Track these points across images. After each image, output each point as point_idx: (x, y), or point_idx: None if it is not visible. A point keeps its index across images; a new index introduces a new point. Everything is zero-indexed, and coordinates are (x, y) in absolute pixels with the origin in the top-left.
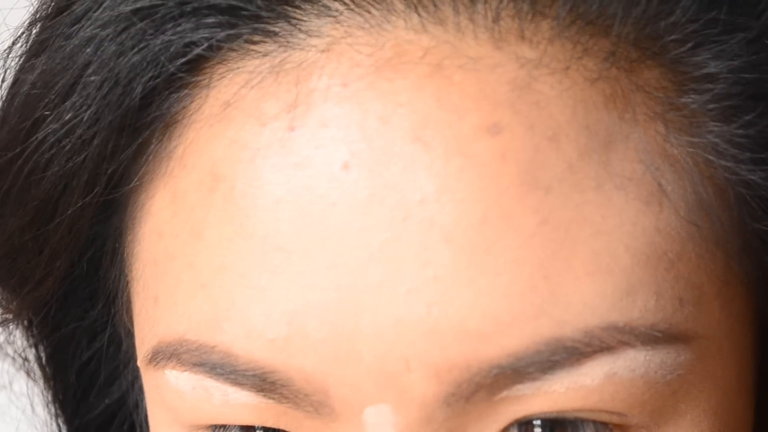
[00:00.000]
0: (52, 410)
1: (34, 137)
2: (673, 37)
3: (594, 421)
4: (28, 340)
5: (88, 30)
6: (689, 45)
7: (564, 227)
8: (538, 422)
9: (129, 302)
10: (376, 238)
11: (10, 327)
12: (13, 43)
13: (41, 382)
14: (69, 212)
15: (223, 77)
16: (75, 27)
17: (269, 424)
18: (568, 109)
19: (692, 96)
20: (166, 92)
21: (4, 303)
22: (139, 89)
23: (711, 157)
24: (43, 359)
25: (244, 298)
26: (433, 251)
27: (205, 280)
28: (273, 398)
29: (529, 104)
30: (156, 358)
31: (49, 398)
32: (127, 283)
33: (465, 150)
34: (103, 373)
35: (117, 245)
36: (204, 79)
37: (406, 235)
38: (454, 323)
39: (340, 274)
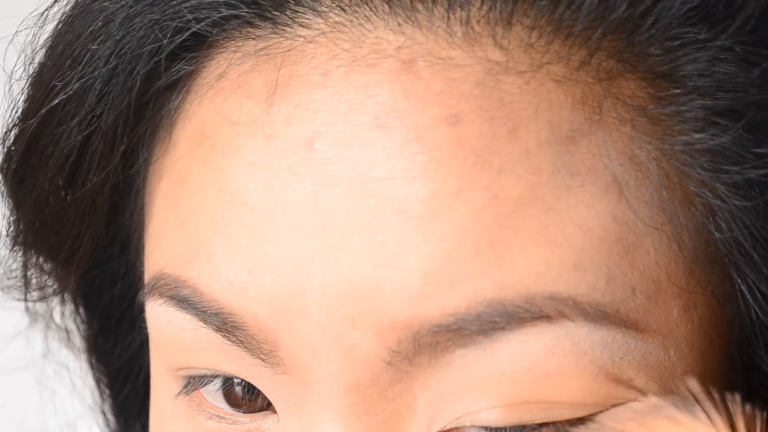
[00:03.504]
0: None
1: (47, 106)
2: (650, 50)
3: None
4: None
5: (100, 2)
6: (667, 58)
7: (514, 202)
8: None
9: (140, 245)
10: (333, 208)
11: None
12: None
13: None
14: (86, 187)
15: (221, 53)
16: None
17: (231, 369)
18: (532, 106)
19: (665, 106)
20: (176, 63)
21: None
22: (145, 60)
23: (678, 165)
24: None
25: (212, 241)
26: (382, 221)
27: (184, 221)
28: (232, 340)
29: (491, 100)
30: (145, 292)
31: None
32: (141, 221)
33: (422, 137)
34: (125, 320)
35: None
36: (204, 54)
37: (360, 207)
38: (397, 284)
39: (297, 235)
